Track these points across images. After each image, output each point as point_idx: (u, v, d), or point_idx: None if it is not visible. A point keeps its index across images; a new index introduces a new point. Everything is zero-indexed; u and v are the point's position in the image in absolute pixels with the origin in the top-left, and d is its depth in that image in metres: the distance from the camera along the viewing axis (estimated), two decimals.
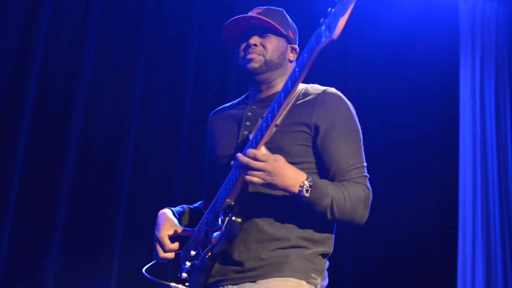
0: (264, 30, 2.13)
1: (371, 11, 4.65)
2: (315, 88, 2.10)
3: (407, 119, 4.74)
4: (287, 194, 1.92)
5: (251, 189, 1.99)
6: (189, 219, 2.26)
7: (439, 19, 4.82)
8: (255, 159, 1.85)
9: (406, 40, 4.82)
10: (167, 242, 2.12)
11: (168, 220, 2.17)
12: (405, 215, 4.59)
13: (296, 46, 2.20)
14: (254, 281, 1.97)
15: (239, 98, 2.30)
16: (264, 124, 1.88)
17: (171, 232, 2.13)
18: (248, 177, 1.87)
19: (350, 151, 2.01)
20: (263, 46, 2.12)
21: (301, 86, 2.12)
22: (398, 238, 4.57)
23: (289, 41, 2.17)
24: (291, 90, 1.82)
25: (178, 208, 2.28)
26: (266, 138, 1.88)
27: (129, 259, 3.82)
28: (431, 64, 4.75)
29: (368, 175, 2.04)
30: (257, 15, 2.13)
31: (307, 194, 1.88)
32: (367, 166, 2.06)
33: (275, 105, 1.86)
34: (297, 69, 1.80)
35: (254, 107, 2.15)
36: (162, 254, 2.14)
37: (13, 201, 3.64)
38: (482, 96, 4.75)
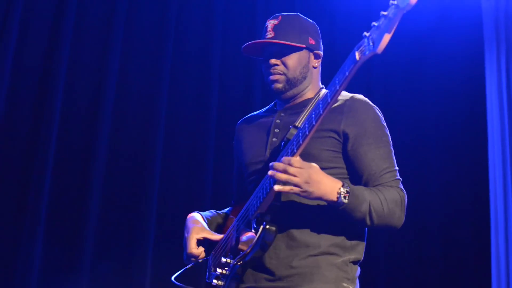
0: (283, 46, 2.11)
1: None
2: (343, 94, 2.10)
3: (433, 118, 4.69)
4: (324, 203, 1.92)
5: (283, 197, 1.98)
6: (218, 224, 2.28)
7: (461, 16, 4.77)
8: (291, 165, 1.85)
9: (429, 38, 4.78)
10: (192, 244, 2.14)
11: (197, 223, 2.19)
12: (435, 215, 4.54)
13: (319, 52, 2.18)
14: None
15: (267, 106, 2.31)
16: (301, 134, 1.88)
17: (200, 235, 2.15)
18: (281, 187, 1.86)
19: (381, 155, 2.01)
20: (284, 64, 2.11)
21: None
22: (429, 240, 4.51)
23: (310, 48, 2.15)
24: (330, 101, 1.81)
25: (207, 213, 2.30)
26: (302, 148, 1.88)
27: (161, 265, 3.85)
28: (455, 62, 4.70)
29: (400, 178, 2.04)
30: (273, 36, 2.10)
31: (346, 201, 1.88)
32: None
33: (313, 116, 1.85)
34: (337, 81, 1.79)
35: (282, 114, 2.16)
36: (190, 257, 2.16)
37: (44, 210, 3.71)
38: (509, 91, 4.68)
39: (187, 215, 2.28)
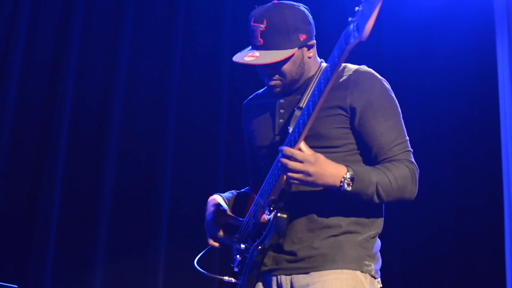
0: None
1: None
2: (347, 68, 2.07)
3: (445, 110, 4.64)
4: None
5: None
6: (239, 205, 2.27)
7: (472, 5, 4.71)
8: (293, 158, 1.85)
9: (439, 28, 4.73)
10: (217, 229, 2.15)
11: (219, 206, 2.19)
12: (448, 211, 4.49)
13: (312, 41, 2.10)
14: (307, 273, 1.98)
15: None
16: (301, 122, 1.87)
17: (221, 218, 2.16)
18: (287, 177, 1.88)
19: (389, 127, 1.99)
20: (280, 73, 2.07)
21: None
22: (442, 236, 4.47)
23: (301, 45, 2.06)
24: (324, 89, 1.80)
25: (227, 194, 2.30)
26: (303, 135, 1.87)
27: (175, 255, 3.88)
28: (466, 52, 4.64)
29: (411, 149, 2.02)
30: (262, 44, 2.03)
31: (349, 188, 1.88)
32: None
33: (310, 104, 1.85)
34: (329, 68, 1.79)
35: (286, 96, 2.14)
36: (212, 242, 2.18)
37: (56, 210, 3.72)
38: None
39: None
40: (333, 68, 1.77)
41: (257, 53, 2.04)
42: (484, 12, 4.69)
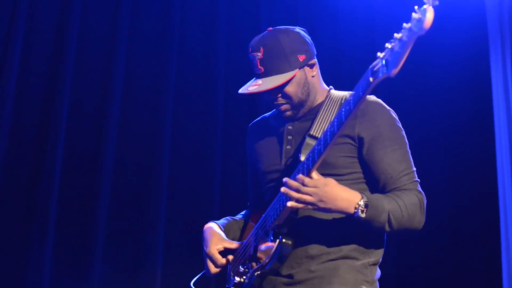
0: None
1: (397, 6, 4.64)
2: None
3: (439, 116, 4.67)
4: (342, 216, 1.93)
5: (302, 211, 1.98)
6: (235, 231, 2.27)
7: (465, 14, 4.75)
8: (304, 185, 1.86)
9: (433, 36, 4.74)
10: (218, 257, 2.14)
11: (216, 235, 2.18)
12: (443, 215, 4.51)
13: (313, 60, 2.12)
14: None
15: None
16: (316, 151, 1.87)
17: (220, 246, 2.15)
18: (295, 204, 1.87)
19: (397, 158, 2.01)
20: (285, 96, 2.09)
21: (340, 95, 2.11)
22: (437, 239, 4.48)
23: (302, 65, 2.08)
24: (344, 121, 1.80)
25: (222, 221, 2.29)
26: (317, 164, 1.87)
27: (171, 269, 3.87)
28: (460, 59, 4.68)
29: (418, 180, 2.04)
30: (263, 72, 2.07)
31: (363, 215, 1.88)
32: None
33: (328, 134, 1.84)
34: (351, 101, 1.79)
35: (295, 120, 2.15)
36: (213, 269, 2.16)
37: (53, 214, 3.74)
38: None
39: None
40: (357, 101, 1.76)
41: (259, 81, 2.08)
42: (477, 20, 4.74)
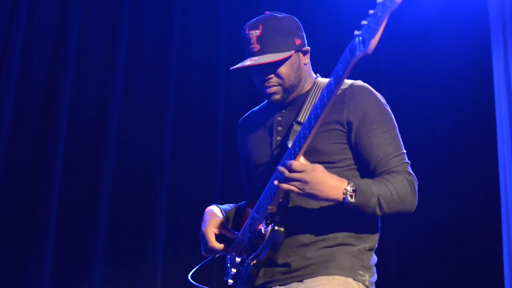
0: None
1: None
2: (343, 83, 2.09)
3: (441, 113, 4.67)
4: (333, 203, 1.91)
5: (294, 197, 1.98)
6: (236, 218, 2.26)
7: (467, 9, 4.74)
8: (292, 170, 1.85)
9: (434, 33, 4.76)
10: (212, 238, 2.13)
11: (215, 216, 2.18)
12: (445, 212, 4.51)
13: (306, 47, 2.14)
14: (301, 281, 1.98)
15: (266, 101, 2.29)
16: (302, 135, 1.86)
17: (216, 229, 2.14)
18: (285, 186, 1.87)
19: (386, 140, 2.00)
20: (278, 76, 2.08)
21: (326, 81, 2.10)
22: (439, 237, 4.48)
23: (297, 49, 2.10)
24: (327, 102, 1.79)
25: (225, 206, 2.28)
26: (304, 148, 1.87)
27: (171, 269, 3.87)
28: (462, 55, 4.67)
29: (409, 162, 2.03)
30: (259, 49, 2.06)
31: (352, 200, 1.87)
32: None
33: (312, 117, 1.84)
34: (332, 82, 1.78)
35: (283, 111, 2.15)
36: (206, 249, 2.16)
37: (54, 216, 3.74)
38: None
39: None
40: (337, 81, 1.75)
41: (255, 58, 2.06)
42: (479, 17, 4.73)
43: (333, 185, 1.87)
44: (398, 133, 2.05)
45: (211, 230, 2.14)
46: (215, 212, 2.21)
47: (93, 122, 4.01)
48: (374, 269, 2.05)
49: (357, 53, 1.66)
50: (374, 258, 2.06)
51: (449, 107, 4.68)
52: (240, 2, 4.53)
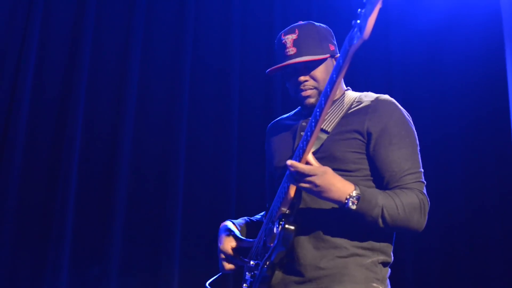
0: (310, 60, 2.09)
1: (409, 5, 4.62)
2: (368, 96, 2.10)
3: (455, 115, 4.64)
4: (336, 205, 1.92)
5: (306, 197, 2.00)
6: (251, 231, 2.28)
7: (480, 10, 4.73)
8: (303, 174, 1.85)
9: (448, 34, 4.74)
10: (230, 253, 2.16)
11: (230, 232, 2.21)
12: (461, 214, 4.48)
13: (338, 55, 2.15)
14: None
15: (296, 109, 2.32)
16: (308, 131, 1.88)
17: (233, 243, 2.17)
18: (295, 183, 1.88)
19: (403, 156, 1.98)
20: (313, 78, 2.11)
21: (355, 95, 2.13)
22: (457, 241, 4.46)
23: (332, 54, 2.14)
24: (330, 94, 1.81)
25: (239, 220, 2.32)
26: (311, 143, 1.88)
27: (188, 268, 3.89)
28: (476, 57, 4.65)
29: (424, 182, 2.01)
30: (295, 52, 2.09)
31: (354, 207, 1.88)
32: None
33: (317, 110, 1.86)
34: (334, 74, 1.80)
35: (309, 117, 2.14)
36: (227, 266, 2.19)
37: (70, 216, 3.77)
38: None
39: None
40: (338, 71, 1.77)
41: (291, 60, 2.10)
42: (492, 20, 4.71)
43: (339, 188, 1.87)
44: (419, 152, 2.04)
45: (228, 246, 2.17)
46: (229, 227, 2.24)
47: (107, 128, 4.04)
48: (388, 281, 2.03)
49: (355, 41, 1.69)
50: (388, 272, 2.05)
51: (463, 110, 4.66)
52: (253, 9, 4.54)
